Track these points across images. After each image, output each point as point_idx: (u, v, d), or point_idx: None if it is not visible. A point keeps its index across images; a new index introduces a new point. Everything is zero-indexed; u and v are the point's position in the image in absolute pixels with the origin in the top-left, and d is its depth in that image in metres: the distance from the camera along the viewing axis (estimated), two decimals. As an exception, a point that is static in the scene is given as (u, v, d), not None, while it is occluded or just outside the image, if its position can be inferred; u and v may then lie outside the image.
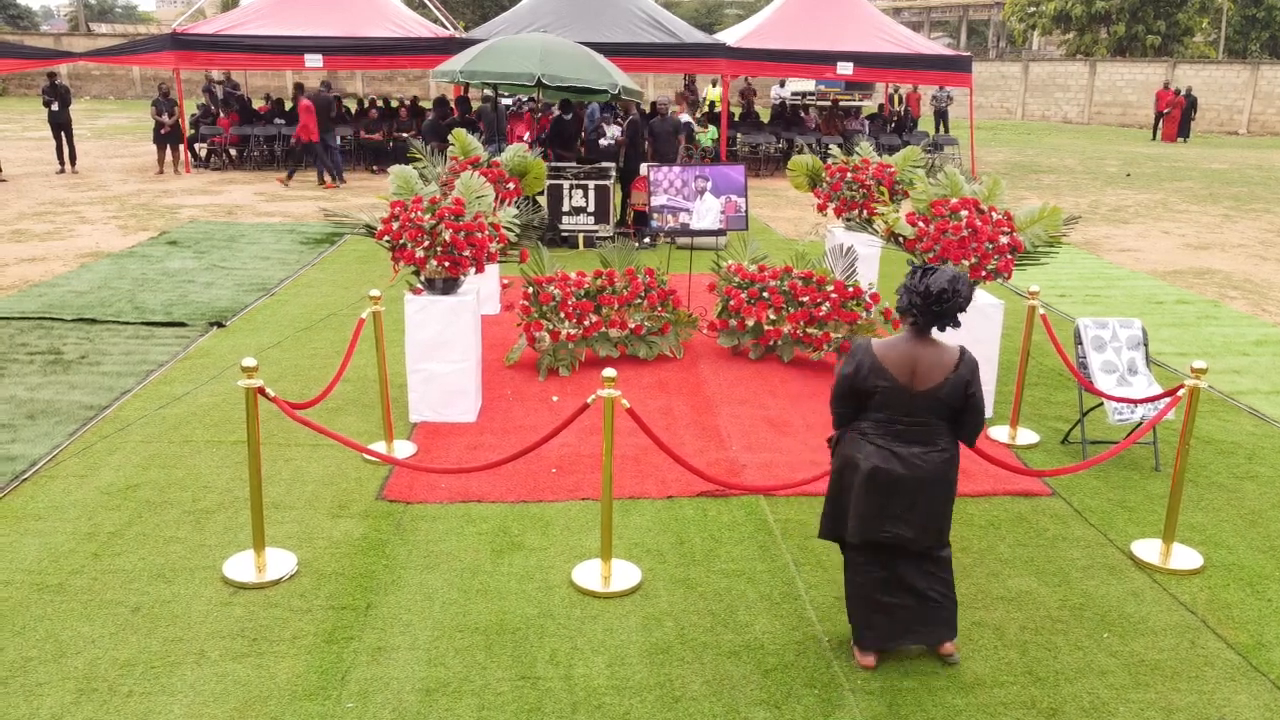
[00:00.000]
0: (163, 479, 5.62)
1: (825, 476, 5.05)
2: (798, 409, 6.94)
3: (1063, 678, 4.00)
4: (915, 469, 3.81)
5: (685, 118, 14.35)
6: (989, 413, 6.81)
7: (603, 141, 13.94)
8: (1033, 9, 47.47)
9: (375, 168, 20.04)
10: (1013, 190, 18.60)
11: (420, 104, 22.42)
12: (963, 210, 6.49)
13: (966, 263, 6.47)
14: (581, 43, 14.16)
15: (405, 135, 19.78)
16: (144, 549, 4.83)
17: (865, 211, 8.87)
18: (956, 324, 3.86)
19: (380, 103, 22.65)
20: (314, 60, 19.00)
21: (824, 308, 7.64)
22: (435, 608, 4.39)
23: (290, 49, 18.94)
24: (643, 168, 13.50)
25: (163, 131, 18.90)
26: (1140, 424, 5.97)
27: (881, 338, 3.91)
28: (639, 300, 7.74)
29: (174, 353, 7.90)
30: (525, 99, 20.56)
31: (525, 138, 15.21)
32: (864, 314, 7.67)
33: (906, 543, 3.88)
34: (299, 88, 18.46)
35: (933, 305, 3.75)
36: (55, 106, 18.33)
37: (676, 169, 9.07)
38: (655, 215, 9.05)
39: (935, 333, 3.88)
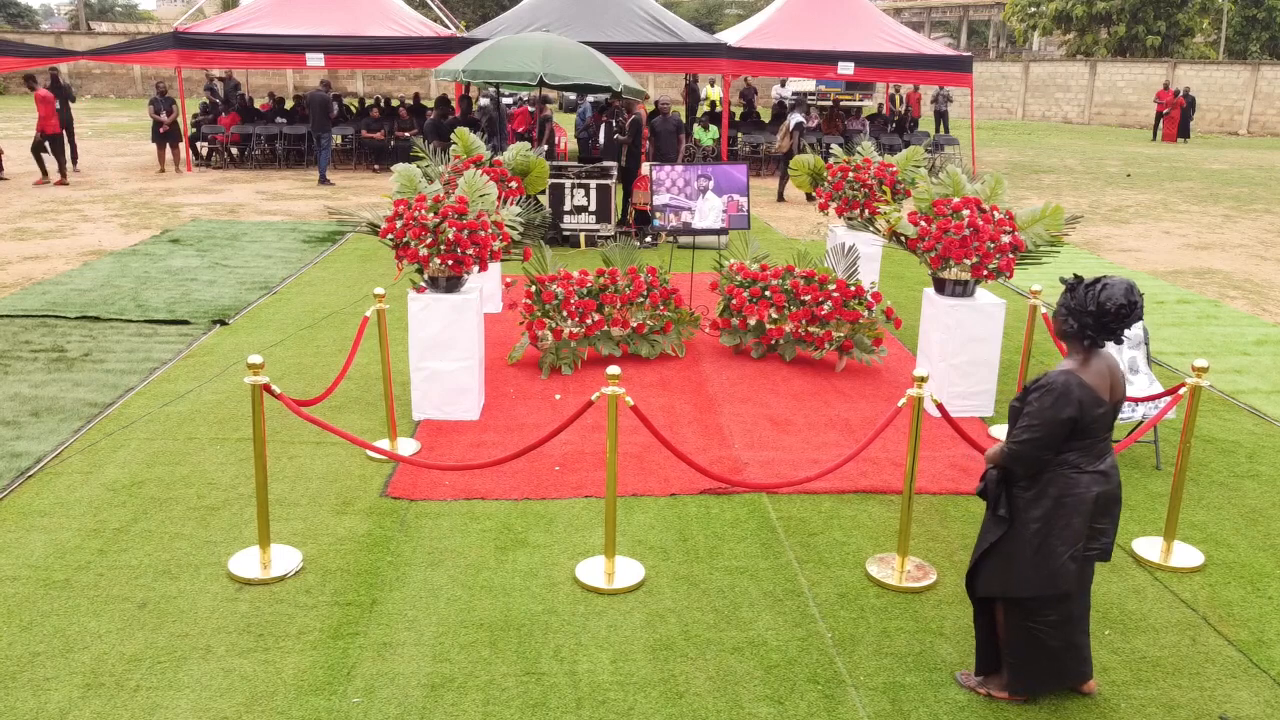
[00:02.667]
0: (167, 476, 5.64)
1: (824, 475, 5.10)
2: (800, 407, 6.96)
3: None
4: (1115, 480, 3.63)
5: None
6: (990, 411, 6.85)
7: (617, 136, 13.93)
8: (1033, 9, 47.48)
9: (376, 167, 20.07)
10: (1013, 190, 18.62)
11: (422, 103, 22.44)
12: (965, 209, 6.52)
13: (968, 261, 6.50)
14: (583, 42, 14.18)
15: (407, 135, 19.81)
16: (149, 545, 4.85)
17: (867, 211, 8.89)
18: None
19: (381, 102, 22.67)
20: (315, 59, 19.02)
21: (826, 307, 7.67)
22: (440, 604, 4.41)
23: (292, 48, 18.96)
24: (645, 167, 13.53)
25: (161, 130, 18.91)
26: (1141, 423, 5.99)
27: (1063, 367, 3.55)
28: (641, 299, 7.76)
29: (177, 350, 7.92)
30: (525, 97, 20.57)
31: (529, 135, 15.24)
32: (866, 313, 7.69)
33: (1106, 555, 3.68)
34: (29, 80, 18.08)
35: (1111, 324, 3.50)
36: (58, 105, 18.32)
37: (679, 168, 9.09)
38: (657, 214, 9.07)
39: None
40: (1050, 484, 3.56)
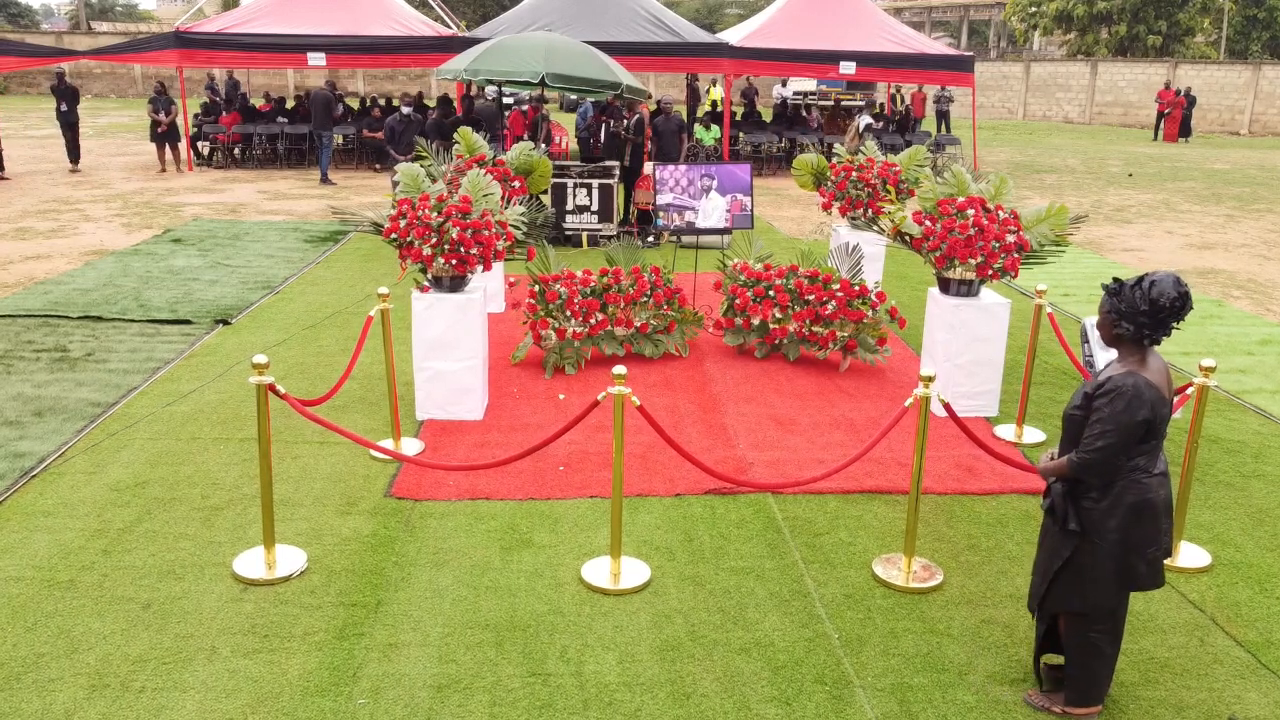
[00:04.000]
0: (171, 476, 5.62)
1: (830, 475, 5.08)
2: (804, 407, 6.95)
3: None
4: (1169, 479, 3.59)
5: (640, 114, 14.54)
6: (995, 411, 6.83)
7: (625, 135, 13.90)
8: (1034, 9, 47.46)
9: (378, 166, 20.04)
10: (1015, 190, 18.55)
11: (424, 102, 22.40)
12: (969, 209, 6.50)
13: (973, 261, 6.48)
14: (585, 42, 14.16)
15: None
16: (154, 545, 4.84)
17: (870, 210, 8.88)
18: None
19: (382, 101, 22.64)
20: (316, 59, 19.01)
21: (830, 306, 7.65)
22: (445, 604, 4.39)
23: (293, 47, 18.95)
24: (647, 166, 13.51)
25: (160, 130, 18.89)
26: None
27: (1124, 369, 3.45)
28: (645, 299, 7.75)
29: (180, 350, 7.90)
30: (526, 97, 20.56)
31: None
32: (870, 313, 7.68)
33: (1168, 554, 3.65)
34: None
35: (1167, 319, 3.42)
36: (64, 106, 18.33)
37: (682, 167, 9.08)
38: (661, 214, 9.06)
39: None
40: (1125, 492, 3.49)
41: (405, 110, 15.35)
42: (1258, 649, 4.23)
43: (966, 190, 6.75)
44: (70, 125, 18.51)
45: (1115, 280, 3.54)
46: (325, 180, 17.93)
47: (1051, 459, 3.68)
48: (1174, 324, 3.46)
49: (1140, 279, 3.46)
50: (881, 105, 26.66)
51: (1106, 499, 3.50)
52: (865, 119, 17.92)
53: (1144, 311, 3.42)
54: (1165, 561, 4.84)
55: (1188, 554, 4.96)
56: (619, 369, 4.46)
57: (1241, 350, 8.66)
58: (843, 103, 25.23)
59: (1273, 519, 5.44)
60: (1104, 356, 6.28)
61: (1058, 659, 3.88)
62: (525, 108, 17.30)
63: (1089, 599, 3.60)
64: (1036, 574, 3.77)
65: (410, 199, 6.41)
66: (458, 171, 8.48)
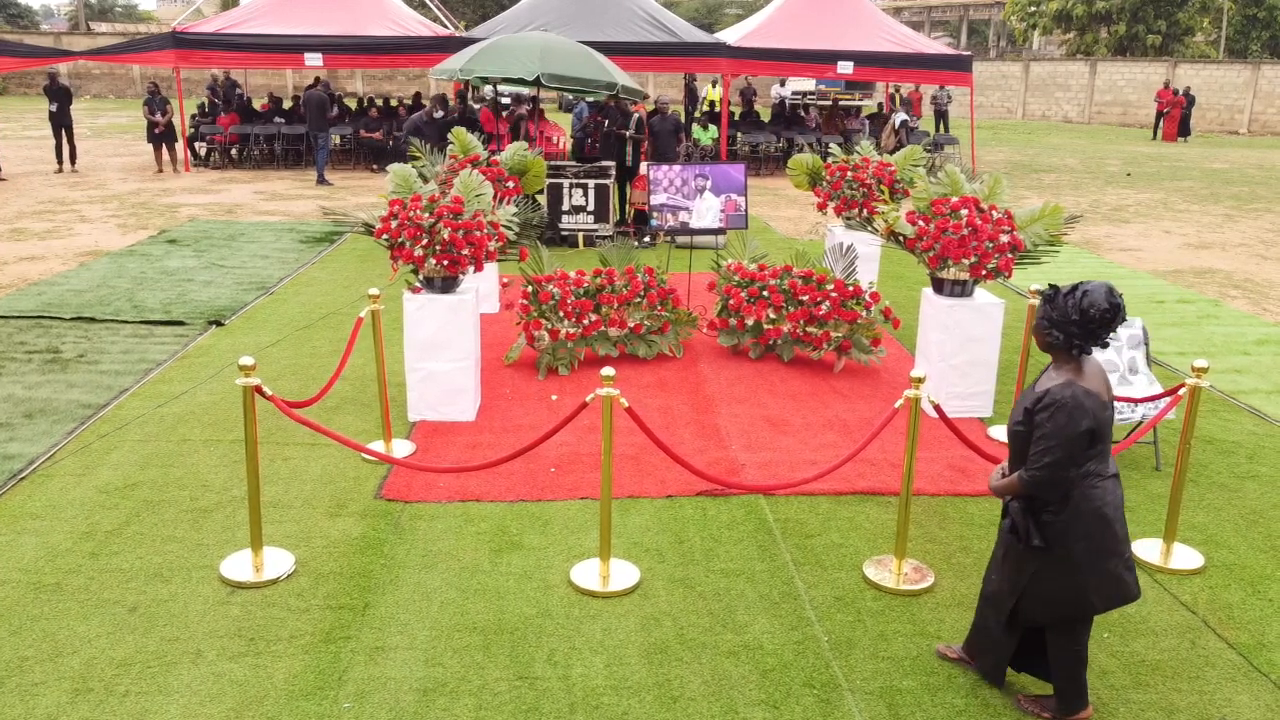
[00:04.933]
0: (160, 478, 5.60)
1: (822, 476, 5.05)
2: (798, 408, 6.92)
3: None
4: (1120, 483, 3.58)
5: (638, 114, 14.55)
6: (989, 412, 6.81)
7: (628, 134, 13.86)
8: (1033, 8, 47.43)
9: (375, 166, 20.02)
10: (1013, 190, 18.53)
11: (422, 102, 22.38)
12: (963, 209, 6.48)
13: (966, 261, 6.46)
14: (582, 42, 14.13)
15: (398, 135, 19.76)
16: (141, 548, 4.82)
17: (865, 210, 8.85)
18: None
19: (380, 101, 22.63)
20: (314, 59, 18.98)
21: (824, 307, 7.63)
22: (433, 607, 4.37)
23: (290, 48, 18.92)
24: (643, 166, 13.49)
25: (156, 130, 18.87)
26: (1141, 423, 5.95)
27: (1061, 379, 3.43)
28: (638, 299, 7.72)
29: (172, 351, 7.88)
30: (525, 96, 20.53)
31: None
32: (864, 313, 7.65)
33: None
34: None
35: (1096, 330, 3.41)
36: (55, 106, 18.30)
37: (676, 167, 9.06)
38: (655, 214, 9.04)
39: None
40: (1083, 501, 3.45)
41: (438, 114, 14.85)
42: (1249, 651, 4.20)
43: (960, 190, 6.73)
44: (64, 126, 18.47)
45: (1051, 287, 3.51)
46: (322, 181, 17.91)
47: (1003, 476, 3.64)
48: (1104, 335, 3.43)
49: (1074, 288, 3.43)
50: (879, 105, 26.62)
51: (1065, 511, 3.46)
52: (901, 116, 18.32)
53: (1075, 321, 3.39)
54: (1157, 563, 4.85)
55: (1180, 555, 4.94)
56: (607, 370, 4.44)
57: (1238, 350, 8.64)
58: (841, 102, 25.19)
59: (1266, 520, 5.41)
60: (1098, 357, 6.25)
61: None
62: (514, 108, 17.28)
63: (1069, 609, 3.56)
64: (1002, 586, 3.70)
65: (402, 199, 6.39)
66: (451, 171, 8.46)
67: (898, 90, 28.39)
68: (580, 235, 12.71)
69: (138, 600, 4.37)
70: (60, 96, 18.28)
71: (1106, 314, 3.38)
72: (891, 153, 16.74)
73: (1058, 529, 3.48)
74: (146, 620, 4.22)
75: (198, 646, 4.05)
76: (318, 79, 19.27)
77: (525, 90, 18.55)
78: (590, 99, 16.83)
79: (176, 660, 3.96)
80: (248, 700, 3.74)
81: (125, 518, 5.12)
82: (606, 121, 13.80)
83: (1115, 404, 3.56)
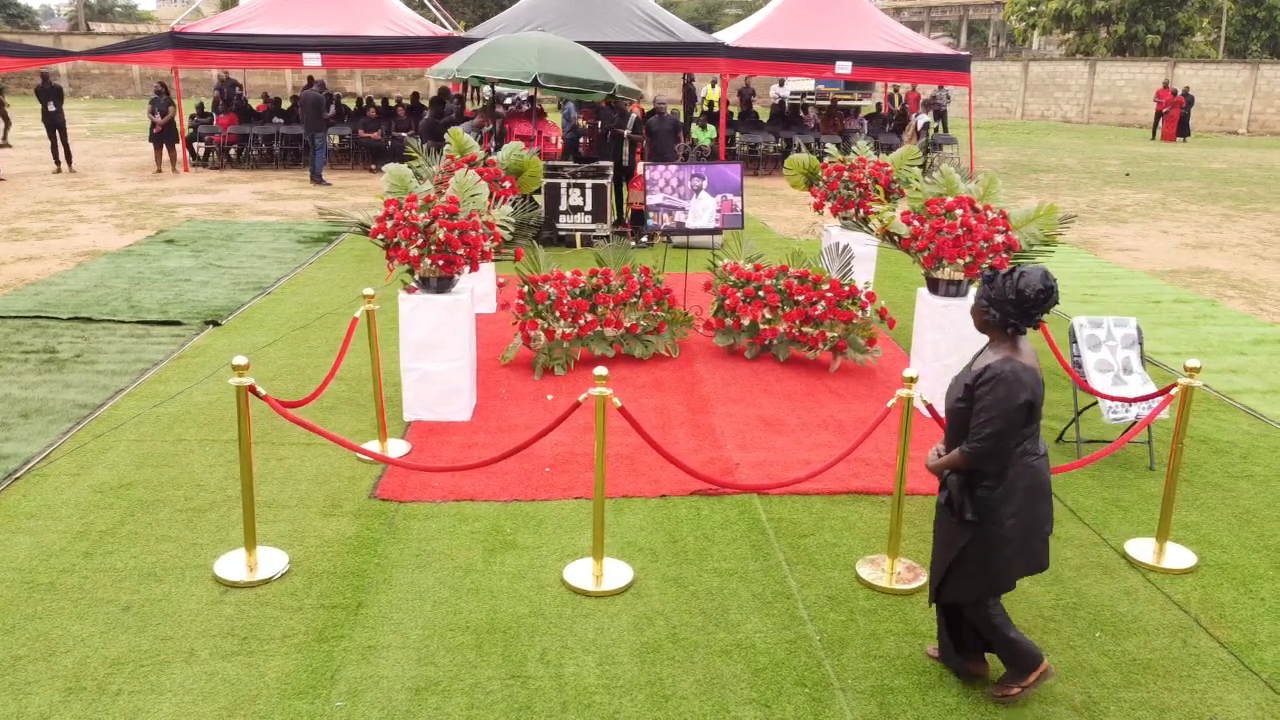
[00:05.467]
0: (155, 478, 5.61)
1: (815, 476, 5.07)
2: (793, 408, 6.93)
3: (1055, 677, 3.98)
4: (1049, 463, 3.73)
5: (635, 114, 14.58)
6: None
7: (628, 134, 13.85)
8: (1033, 8, 47.44)
9: (374, 166, 20.03)
10: (1012, 190, 18.59)
11: (421, 102, 22.39)
12: (958, 209, 6.48)
13: (961, 261, 6.47)
14: (580, 42, 14.14)
15: (404, 134, 19.77)
16: (135, 548, 4.82)
17: (861, 210, 8.86)
18: None
19: (379, 101, 22.63)
20: (312, 59, 18.98)
21: (820, 307, 7.63)
22: (426, 606, 4.38)
23: (289, 48, 18.93)
24: (639, 166, 13.49)
25: (155, 130, 18.88)
26: (1135, 423, 5.96)
27: (999, 356, 3.58)
28: (635, 299, 7.73)
29: (169, 351, 7.89)
30: (524, 96, 20.55)
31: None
32: (860, 313, 7.66)
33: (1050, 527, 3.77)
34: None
35: (1032, 310, 3.56)
36: (50, 106, 18.31)
37: (673, 167, 9.06)
38: (651, 214, 9.05)
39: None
40: (1018, 477, 3.60)
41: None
42: (1241, 650, 4.21)
43: (955, 190, 6.73)
44: (58, 126, 18.47)
45: (991, 269, 3.67)
46: (320, 180, 17.93)
47: (940, 455, 3.78)
48: (1038, 315, 3.59)
49: (1012, 270, 3.61)
50: (878, 105, 26.62)
51: (1001, 486, 3.60)
52: (924, 118, 18.55)
53: (1011, 301, 3.55)
54: (1150, 562, 4.86)
55: (1173, 555, 4.95)
56: (600, 370, 4.44)
57: (1234, 350, 8.64)
58: (840, 102, 25.20)
59: (1259, 520, 5.42)
60: (1092, 356, 6.27)
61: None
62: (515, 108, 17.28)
63: (990, 583, 3.70)
64: (933, 567, 3.86)
65: (397, 199, 6.39)
66: (447, 172, 8.47)
67: (896, 90, 28.39)
68: (578, 235, 12.72)
69: (131, 599, 4.37)
70: (53, 96, 18.27)
71: (1041, 294, 3.54)
72: None
73: (991, 504, 3.62)
74: (140, 619, 4.23)
75: (191, 645, 4.06)
76: (311, 79, 19.27)
77: (523, 93, 18.54)
78: (580, 100, 16.82)
79: (169, 659, 3.97)
80: (240, 699, 3.75)
81: (120, 517, 5.12)
82: (600, 121, 13.80)
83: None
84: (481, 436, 6.32)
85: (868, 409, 6.90)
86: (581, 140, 14.15)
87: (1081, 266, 12.09)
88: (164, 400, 6.82)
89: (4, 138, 22.76)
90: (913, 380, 4.50)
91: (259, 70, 34.18)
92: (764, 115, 24.45)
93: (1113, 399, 5.81)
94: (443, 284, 6.49)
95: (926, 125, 18.44)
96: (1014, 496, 3.60)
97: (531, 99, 15.93)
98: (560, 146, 15.60)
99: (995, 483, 3.60)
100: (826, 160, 9.61)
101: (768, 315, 7.79)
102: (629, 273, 7.76)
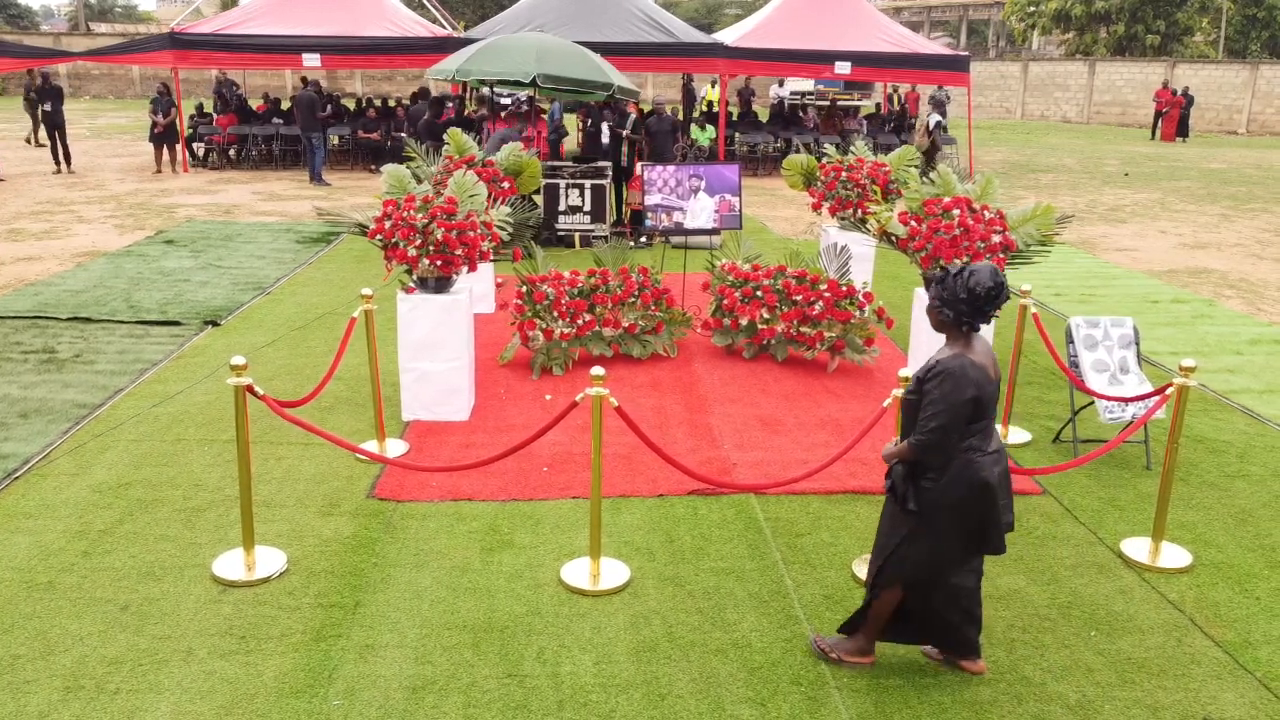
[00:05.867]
0: (154, 477, 5.62)
1: (811, 475, 5.08)
2: (790, 408, 6.95)
3: (1050, 676, 4.00)
4: (1005, 457, 3.79)
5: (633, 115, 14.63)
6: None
7: (628, 135, 13.89)
8: (1032, 8, 47.45)
9: (373, 167, 20.04)
10: (1010, 189, 18.61)
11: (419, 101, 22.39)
12: (955, 209, 6.50)
13: (958, 261, 6.48)
14: (579, 42, 14.16)
15: (403, 135, 19.78)
16: (134, 547, 4.84)
17: (859, 211, 8.87)
18: None
19: (378, 102, 22.65)
20: (311, 59, 19.00)
21: (817, 307, 7.65)
22: (424, 606, 4.39)
23: (288, 48, 18.95)
24: (638, 166, 13.51)
25: (156, 131, 18.89)
26: (1131, 422, 5.97)
27: (950, 353, 3.66)
28: (633, 299, 7.75)
29: (168, 351, 7.90)
30: (523, 97, 20.56)
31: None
32: (857, 313, 7.67)
33: (1010, 528, 3.82)
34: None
35: (984, 307, 3.62)
36: (49, 106, 18.32)
37: (671, 168, 9.08)
38: (649, 214, 9.06)
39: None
40: (961, 471, 3.67)
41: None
42: (1236, 649, 4.22)
43: (953, 190, 6.75)
44: (57, 126, 18.49)
45: (942, 268, 3.70)
46: (319, 180, 17.95)
47: (895, 445, 3.86)
48: (991, 312, 3.66)
49: (962, 269, 3.66)
50: (878, 105, 26.64)
51: (944, 479, 3.68)
52: (936, 117, 18.76)
53: (963, 299, 3.62)
54: (1145, 562, 4.87)
55: (1168, 554, 4.96)
56: (597, 370, 4.46)
57: (1231, 350, 8.66)
58: (839, 103, 25.21)
59: (1255, 519, 5.43)
60: (1088, 356, 6.28)
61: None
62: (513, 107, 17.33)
63: (924, 572, 3.79)
64: (874, 553, 3.96)
65: (396, 200, 6.41)
66: (445, 172, 8.49)
67: (896, 90, 28.39)
68: (576, 235, 12.74)
69: (130, 599, 4.39)
70: (52, 97, 18.28)
71: (991, 291, 3.61)
72: (925, 153, 17.30)
73: (933, 495, 3.70)
74: (138, 618, 4.24)
75: (189, 644, 4.07)
76: (304, 80, 19.27)
77: (522, 93, 18.55)
78: (575, 100, 16.84)
79: (168, 658, 3.98)
80: (238, 698, 3.76)
81: (118, 517, 5.14)
82: (590, 120, 13.81)
83: (1000, 384, 3.79)
84: (480, 436, 6.34)
85: (865, 409, 6.92)
86: (560, 141, 14.14)
87: (1080, 266, 12.10)
88: (163, 400, 6.84)
89: (36, 139, 23.01)
90: (908, 380, 4.50)
91: (259, 71, 34.18)
92: (764, 115, 24.47)
93: (1109, 399, 5.83)
94: (441, 284, 6.50)
95: (939, 124, 18.57)
96: (954, 490, 3.67)
97: (531, 99, 15.93)
98: (560, 148, 15.63)
99: (938, 475, 3.68)
100: (825, 160, 9.63)
101: (766, 315, 7.81)
102: (627, 273, 7.77)
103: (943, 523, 3.71)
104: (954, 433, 3.60)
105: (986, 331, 6.55)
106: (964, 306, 3.64)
